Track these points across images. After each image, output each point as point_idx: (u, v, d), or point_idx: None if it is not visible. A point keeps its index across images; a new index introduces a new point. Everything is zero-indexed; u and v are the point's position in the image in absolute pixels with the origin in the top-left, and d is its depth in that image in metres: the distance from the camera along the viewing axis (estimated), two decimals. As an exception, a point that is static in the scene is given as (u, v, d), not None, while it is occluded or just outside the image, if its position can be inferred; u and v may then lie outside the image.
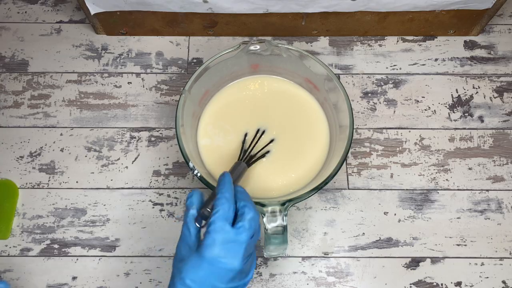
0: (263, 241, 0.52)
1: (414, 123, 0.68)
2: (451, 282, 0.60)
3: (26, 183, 0.64)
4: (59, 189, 0.64)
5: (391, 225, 0.63)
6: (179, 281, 0.40)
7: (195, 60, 0.71)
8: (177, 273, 0.41)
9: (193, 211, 0.44)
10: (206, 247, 0.40)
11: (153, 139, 0.66)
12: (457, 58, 0.71)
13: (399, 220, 0.63)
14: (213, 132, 0.59)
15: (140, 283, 0.60)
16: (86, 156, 0.66)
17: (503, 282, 0.60)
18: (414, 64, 0.71)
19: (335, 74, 0.56)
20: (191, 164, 0.52)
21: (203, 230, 0.43)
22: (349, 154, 0.66)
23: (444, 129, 0.67)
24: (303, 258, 0.61)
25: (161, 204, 0.63)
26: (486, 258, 0.61)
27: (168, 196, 0.64)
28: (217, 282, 0.40)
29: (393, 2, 0.64)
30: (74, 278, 0.60)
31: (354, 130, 0.66)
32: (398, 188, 0.64)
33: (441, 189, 0.64)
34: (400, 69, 0.71)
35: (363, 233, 0.62)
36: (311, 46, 0.72)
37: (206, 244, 0.40)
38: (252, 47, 0.56)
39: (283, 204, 0.50)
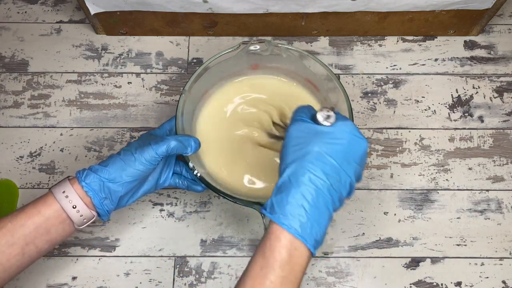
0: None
1: (414, 123, 0.68)
2: (451, 282, 0.60)
3: (26, 183, 0.64)
4: (59, 189, 0.64)
5: (391, 225, 0.63)
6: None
7: (195, 60, 0.71)
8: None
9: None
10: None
11: (153, 139, 0.66)
12: (457, 58, 0.71)
13: (399, 220, 0.63)
14: (213, 131, 0.59)
15: (140, 283, 0.60)
16: (86, 156, 0.66)
17: (503, 282, 0.60)
18: (414, 64, 0.71)
19: (335, 74, 0.56)
20: (191, 164, 0.52)
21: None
22: (349, 154, 0.66)
23: (444, 129, 0.67)
24: (303, 258, 0.61)
25: (161, 204, 0.63)
26: (486, 258, 0.61)
27: (168, 196, 0.64)
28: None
29: (393, 2, 0.64)
30: (74, 278, 0.60)
31: (354, 130, 0.66)
32: (398, 188, 0.64)
33: (441, 189, 0.64)
34: (400, 69, 0.71)
35: (363, 233, 0.62)
36: (311, 46, 0.72)
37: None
38: (252, 47, 0.56)
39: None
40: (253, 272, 0.40)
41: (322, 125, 0.43)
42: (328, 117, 0.43)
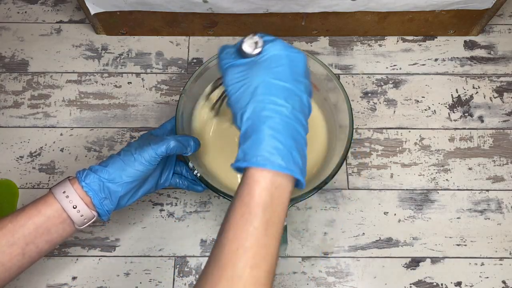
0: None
1: (414, 123, 0.68)
2: (451, 282, 0.60)
3: (26, 183, 0.64)
4: (59, 189, 0.64)
5: (391, 225, 0.63)
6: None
7: (195, 60, 0.71)
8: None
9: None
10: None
11: (153, 139, 0.66)
12: (457, 58, 0.71)
13: (399, 220, 0.63)
14: (212, 132, 0.59)
15: (140, 283, 0.60)
16: (86, 156, 0.66)
17: (503, 282, 0.60)
18: (414, 64, 0.71)
19: (335, 74, 0.56)
20: (191, 164, 0.52)
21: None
22: (349, 154, 0.66)
23: (444, 129, 0.67)
24: (303, 258, 0.61)
25: (161, 204, 0.63)
26: (486, 258, 0.61)
27: (168, 196, 0.64)
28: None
29: (393, 2, 0.64)
30: (74, 278, 0.60)
31: (354, 130, 0.66)
32: (398, 188, 0.64)
33: (441, 189, 0.64)
34: (400, 69, 0.71)
35: (363, 233, 0.62)
36: (311, 46, 0.72)
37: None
38: (252, 47, 0.56)
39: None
40: (234, 221, 0.38)
41: (253, 55, 0.41)
42: (256, 44, 0.40)
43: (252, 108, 0.39)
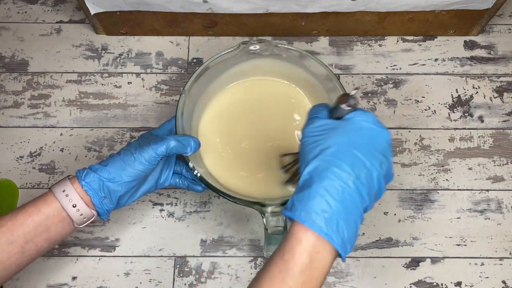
0: (263, 241, 0.52)
1: (414, 123, 0.68)
2: (451, 282, 0.60)
3: (26, 183, 0.64)
4: (59, 189, 0.64)
5: (391, 225, 0.63)
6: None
7: (195, 60, 0.71)
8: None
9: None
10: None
11: (153, 139, 0.66)
12: (457, 58, 0.71)
13: (399, 220, 0.63)
14: (212, 132, 0.59)
15: (140, 283, 0.60)
16: (86, 156, 0.66)
17: (503, 282, 0.60)
18: (414, 64, 0.71)
19: (335, 74, 0.56)
20: (191, 164, 0.52)
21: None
22: (349, 154, 0.66)
23: (444, 129, 0.67)
24: (303, 258, 0.61)
25: (161, 204, 0.63)
26: (486, 258, 0.61)
27: (168, 196, 0.64)
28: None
29: (393, 2, 0.64)
30: (74, 278, 0.60)
31: (354, 130, 0.66)
32: (398, 188, 0.64)
33: (441, 189, 0.64)
34: (400, 69, 0.71)
35: (363, 233, 0.62)
36: (311, 46, 0.72)
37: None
38: (252, 47, 0.56)
39: (283, 204, 0.50)
40: (271, 274, 0.38)
41: (345, 110, 0.40)
42: (352, 101, 0.40)
43: (315, 164, 0.39)
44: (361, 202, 0.38)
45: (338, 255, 0.39)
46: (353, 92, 0.40)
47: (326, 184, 0.37)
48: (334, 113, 0.42)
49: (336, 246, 0.37)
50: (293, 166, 0.56)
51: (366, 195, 0.38)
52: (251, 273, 0.60)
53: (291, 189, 0.56)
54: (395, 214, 0.63)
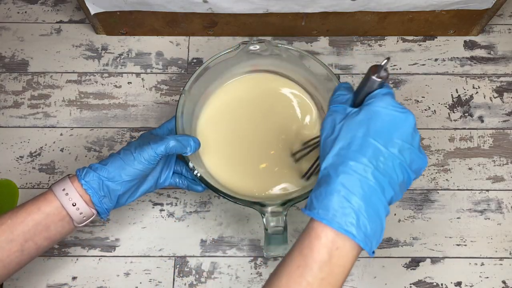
0: (263, 241, 0.52)
1: (414, 123, 0.67)
2: (451, 282, 0.60)
3: (26, 183, 0.64)
4: (59, 189, 0.64)
5: (391, 225, 0.63)
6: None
7: (195, 60, 0.71)
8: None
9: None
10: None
11: (153, 139, 0.66)
12: (457, 58, 0.71)
13: (399, 220, 0.63)
14: (212, 132, 0.59)
15: (140, 283, 0.60)
16: (86, 156, 0.66)
17: (503, 282, 0.60)
18: (414, 64, 0.71)
19: (335, 74, 0.56)
20: (191, 164, 0.52)
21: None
22: (349, 154, 0.66)
23: (444, 129, 0.67)
24: (303, 258, 0.61)
25: (161, 204, 0.63)
26: (486, 258, 0.61)
27: (168, 196, 0.64)
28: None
29: (393, 2, 0.64)
30: (74, 278, 0.60)
31: (354, 130, 0.66)
32: (398, 188, 0.64)
33: (441, 189, 0.64)
34: (400, 69, 0.71)
35: (363, 233, 0.62)
36: (311, 46, 0.72)
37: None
38: (252, 47, 0.56)
39: (283, 204, 0.50)
40: (290, 270, 0.37)
41: (375, 81, 0.38)
42: (380, 71, 0.38)
43: (332, 159, 0.38)
44: (384, 193, 0.37)
45: (362, 250, 0.38)
46: (384, 62, 0.38)
47: (342, 179, 0.36)
48: (363, 88, 0.40)
49: (358, 241, 0.36)
50: (304, 155, 0.56)
51: (389, 186, 0.37)
52: (251, 273, 0.60)
53: (309, 182, 0.56)
54: (395, 214, 0.63)
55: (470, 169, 0.65)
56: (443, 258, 0.61)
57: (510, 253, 0.61)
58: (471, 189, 0.64)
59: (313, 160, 0.55)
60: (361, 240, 0.36)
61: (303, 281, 0.36)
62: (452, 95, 0.69)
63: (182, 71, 0.71)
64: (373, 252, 0.37)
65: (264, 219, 0.50)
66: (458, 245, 0.62)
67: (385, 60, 0.38)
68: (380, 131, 0.37)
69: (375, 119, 0.37)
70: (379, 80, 0.39)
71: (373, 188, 0.36)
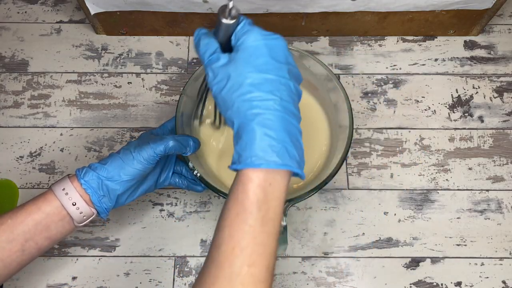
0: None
1: (414, 123, 0.68)
2: (451, 282, 0.60)
3: (26, 183, 0.64)
4: (59, 189, 0.64)
5: (391, 225, 0.63)
6: None
7: (195, 60, 0.71)
8: None
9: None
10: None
11: (153, 139, 0.66)
12: (457, 58, 0.71)
13: (399, 220, 0.63)
14: (212, 132, 0.59)
15: (140, 283, 0.60)
16: (86, 156, 0.66)
17: (503, 282, 0.60)
18: (414, 64, 0.71)
19: (335, 74, 0.56)
20: (191, 164, 0.52)
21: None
22: (349, 154, 0.66)
23: (444, 129, 0.67)
24: (303, 258, 0.61)
25: (161, 204, 0.63)
26: (486, 258, 0.61)
27: (168, 196, 0.64)
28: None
29: (393, 2, 0.64)
30: (74, 278, 0.60)
31: (354, 130, 0.66)
32: (398, 188, 0.64)
33: (441, 189, 0.64)
34: (400, 69, 0.71)
35: (363, 233, 0.62)
36: (311, 46, 0.72)
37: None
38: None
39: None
40: (229, 219, 0.37)
41: (231, 24, 0.39)
42: (230, 11, 0.38)
43: (239, 107, 0.38)
44: (294, 117, 0.38)
45: (296, 175, 0.38)
46: (230, 3, 0.38)
47: (258, 120, 0.37)
48: (218, 34, 0.40)
49: (296, 170, 0.37)
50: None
51: (295, 109, 0.39)
52: (251, 273, 0.60)
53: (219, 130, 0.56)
54: (395, 214, 0.63)
55: (470, 169, 0.65)
56: (443, 258, 0.61)
57: (510, 253, 0.61)
58: (471, 189, 0.64)
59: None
60: (296, 167, 0.37)
61: (245, 226, 0.36)
62: (452, 95, 0.69)
63: (182, 71, 0.71)
64: (304, 175, 0.38)
65: None
66: (458, 245, 0.62)
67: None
68: (266, 63, 0.38)
69: (255, 54, 0.38)
70: (233, 21, 0.39)
71: (285, 118, 0.37)
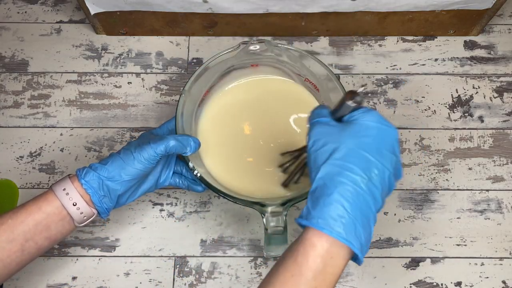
0: (263, 241, 0.52)
1: (414, 123, 0.68)
2: (451, 282, 0.60)
3: (26, 183, 0.64)
4: (59, 189, 0.64)
5: (391, 225, 0.63)
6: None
7: (195, 60, 0.71)
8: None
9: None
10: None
11: (153, 139, 0.66)
12: (457, 58, 0.71)
13: (399, 220, 0.63)
14: (213, 132, 0.59)
15: (140, 283, 0.60)
16: (86, 156, 0.66)
17: (503, 282, 0.60)
18: (414, 64, 0.71)
19: (335, 74, 0.56)
20: (191, 164, 0.52)
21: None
22: (349, 154, 0.66)
23: (444, 129, 0.67)
24: (303, 258, 0.61)
25: (161, 204, 0.63)
26: (486, 258, 0.61)
27: (168, 196, 0.64)
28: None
29: (393, 2, 0.64)
30: (74, 278, 0.60)
31: (354, 130, 0.66)
32: (398, 188, 0.64)
33: (441, 189, 0.64)
34: (400, 69, 0.71)
35: (363, 233, 0.62)
36: (311, 46, 0.72)
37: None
38: (252, 47, 0.56)
39: (283, 204, 0.50)
40: (283, 278, 0.38)
41: (349, 106, 0.40)
42: (355, 98, 0.40)
43: (328, 169, 0.38)
44: (374, 204, 0.38)
45: (351, 258, 0.39)
46: (360, 89, 0.40)
47: (340, 189, 0.37)
48: (337, 111, 0.42)
49: (356, 250, 0.37)
50: (291, 165, 0.56)
51: (379, 196, 0.38)
52: (251, 273, 0.60)
53: (288, 190, 0.56)
54: (395, 214, 0.63)
55: (470, 169, 0.65)
56: (443, 258, 0.61)
57: (510, 253, 0.61)
58: (471, 189, 0.64)
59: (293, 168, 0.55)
60: (358, 249, 0.37)
61: None
62: (452, 95, 0.69)
63: (182, 71, 0.71)
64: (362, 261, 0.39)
65: (264, 219, 0.50)
66: (458, 245, 0.62)
67: (362, 87, 0.40)
68: (371, 144, 0.39)
69: (364, 132, 0.39)
70: (354, 105, 0.40)
71: (367, 199, 0.38)
